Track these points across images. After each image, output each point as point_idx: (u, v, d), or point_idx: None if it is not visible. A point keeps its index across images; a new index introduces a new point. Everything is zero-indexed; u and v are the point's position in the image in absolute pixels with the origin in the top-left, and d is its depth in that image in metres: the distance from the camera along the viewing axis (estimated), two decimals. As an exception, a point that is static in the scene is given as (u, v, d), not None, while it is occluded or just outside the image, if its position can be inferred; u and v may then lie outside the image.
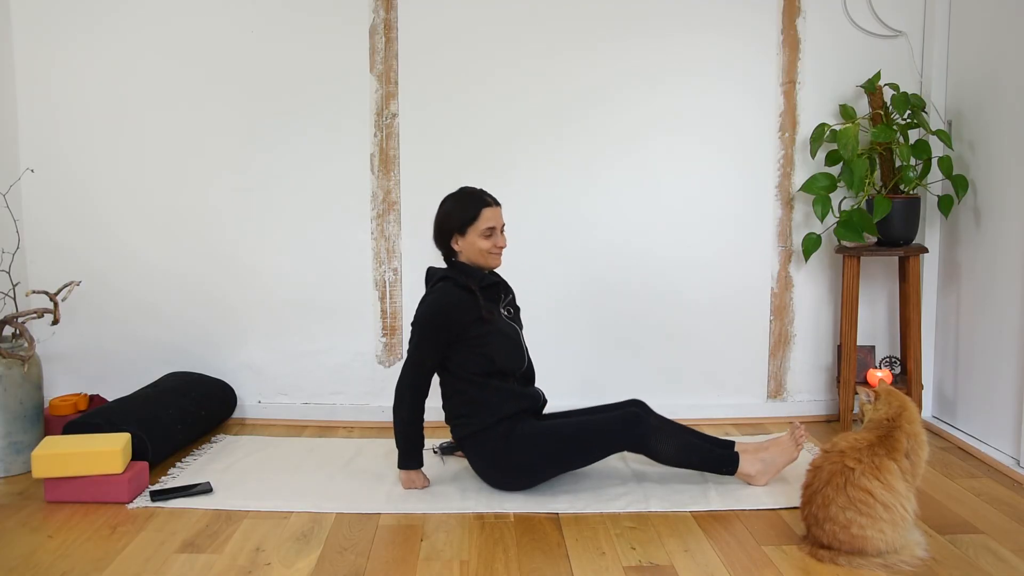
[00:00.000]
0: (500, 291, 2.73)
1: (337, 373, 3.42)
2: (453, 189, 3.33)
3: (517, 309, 2.82)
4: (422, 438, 2.64)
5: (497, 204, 2.65)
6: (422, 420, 2.62)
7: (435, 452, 2.96)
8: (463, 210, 2.61)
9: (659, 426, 2.59)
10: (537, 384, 2.81)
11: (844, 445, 2.19)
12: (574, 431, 2.58)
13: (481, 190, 2.67)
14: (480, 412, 2.59)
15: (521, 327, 2.77)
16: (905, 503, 2.11)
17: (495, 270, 2.71)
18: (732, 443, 2.73)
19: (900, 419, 2.18)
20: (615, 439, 2.57)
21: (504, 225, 2.67)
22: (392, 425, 2.64)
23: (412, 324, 2.62)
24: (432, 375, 2.62)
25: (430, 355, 2.59)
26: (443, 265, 2.73)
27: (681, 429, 2.69)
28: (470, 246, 2.61)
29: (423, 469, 2.69)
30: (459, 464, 2.89)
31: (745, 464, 2.61)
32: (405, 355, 2.67)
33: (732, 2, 3.29)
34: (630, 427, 2.55)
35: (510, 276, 3.37)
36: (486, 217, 2.60)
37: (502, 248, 2.64)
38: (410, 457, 2.63)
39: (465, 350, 2.59)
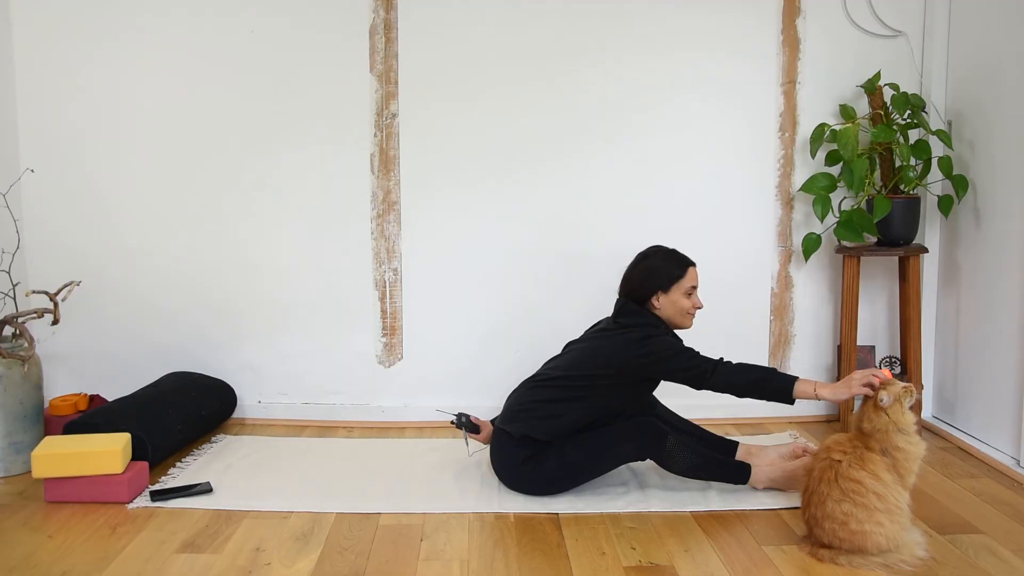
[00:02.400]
0: None
1: (337, 373, 3.42)
2: (452, 188, 3.36)
3: None
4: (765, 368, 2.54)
5: (695, 264, 2.69)
6: (747, 365, 2.54)
7: (453, 423, 2.79)
8: (669, 268, 2.64)
9: (679, 439, 2.58)
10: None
11: (830, 442, 2.24)
12: (598, 440, 2.58)
13: (675, 250, 2.70)
14: (555, 426, 2.58)
15: None
16: (896, 494, 2.12)
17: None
18: (735, 445, 2.77)
19: (861, 422, 2.21)
20: (634, 450, 2.58)
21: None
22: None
23: (642, 341, 2.55)
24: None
25: (677, 342, 2.60)
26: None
27: (696, 439, 2.75)
28: (672, 304, 2.63)
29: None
30: (461, 463, 2.89)
31: (761, 476, 2.62)
32: (663, 359, 2.54)
33: (732, 2, 3.29)
34: (650, 440, 2.56)
35: (511, 276, 3.39)
36: (691, 276, 2.65)
37: (699, 309, 2.68)
38: (787, 378, 2.47)
39: (625, 386, 2.61)
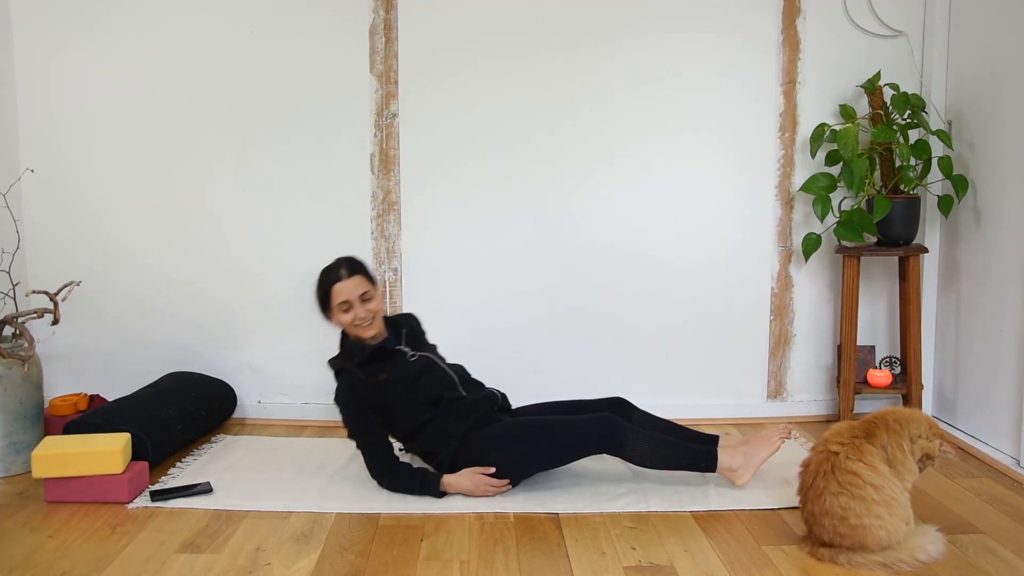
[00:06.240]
0: (394, 342, 2.72)
1: (337, 373, 3.42)
2: (452, 189, 3.36)
3: (420, 334, 2.83)
4: (414, 469, 2.64)
5: (352, 275, 2.60)
6: (404, 464, 2.65)
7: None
8: (318, 290, 2.65)
9: (634, 428, 2.56)
10: (510, 383, 2.84)
11: (829, 434, 2.23)
12: (547, 432, 2.57)
13: (338, 262, 2.64)
14: (444, 440, 2.60)
15: (432, 349, 2.79)
16: (893, 486, 2.11)
17: (392, 318, 2.79)
18: (715, 438, 2.69)
19: (883, 417, 2.20)
20: (588, 442, 2.55)
21: (365, 292, 2.61)
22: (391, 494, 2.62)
23: (339, 407, 2.66)
24: (385, 437, 2.65)
25: (370, 432, 2.63)
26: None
27: (658, 428, 2.68)
28: (338, 322, 2.65)
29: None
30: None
31: (725, 458, 2.56)
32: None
33: (732, 2, 3.29)
34: (603, 430, 2.53)
35: (511, 276, 3.38)
36: (337, 293, 2.59)
37: (364, 319, 2.60)
38: (430, 481, 2.59)
39: (396, 410, 2.62)
